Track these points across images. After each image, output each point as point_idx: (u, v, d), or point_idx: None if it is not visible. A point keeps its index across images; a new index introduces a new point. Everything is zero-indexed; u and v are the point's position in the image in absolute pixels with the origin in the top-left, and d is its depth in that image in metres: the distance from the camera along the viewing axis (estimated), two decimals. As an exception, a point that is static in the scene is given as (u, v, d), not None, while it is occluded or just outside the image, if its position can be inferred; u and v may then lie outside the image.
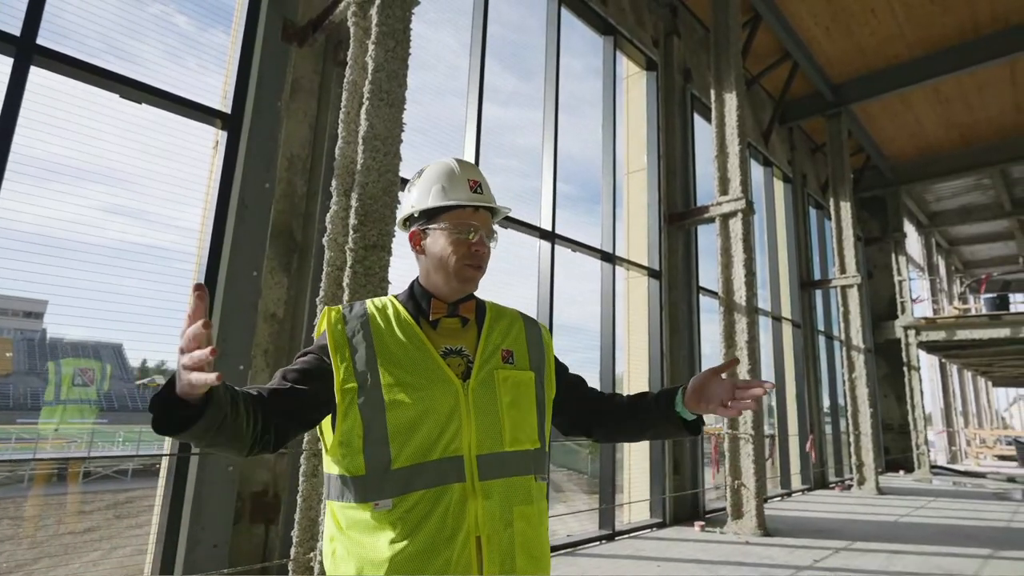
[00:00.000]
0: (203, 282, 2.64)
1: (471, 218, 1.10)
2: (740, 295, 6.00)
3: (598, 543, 5.13)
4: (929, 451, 15.51)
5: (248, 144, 3.38)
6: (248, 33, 3.54)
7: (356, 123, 2.96)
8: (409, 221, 1.16)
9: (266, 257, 3.41)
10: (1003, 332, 12.10)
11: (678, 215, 6.80)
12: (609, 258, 5.90)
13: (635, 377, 6.52)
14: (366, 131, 2.83)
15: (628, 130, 7.13)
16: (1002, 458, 18.21)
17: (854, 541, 5.57)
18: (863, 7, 7.81)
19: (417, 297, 1.13)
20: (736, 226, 6.11)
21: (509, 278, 4.81)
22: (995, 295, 15.81)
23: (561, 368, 1.24)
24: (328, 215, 2.86)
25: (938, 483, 11.09)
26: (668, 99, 7.06)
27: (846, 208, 9.75)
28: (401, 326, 1.06)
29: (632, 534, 5.53)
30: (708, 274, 6.98)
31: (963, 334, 12.47)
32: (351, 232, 2.75)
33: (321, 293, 2.79)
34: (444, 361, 1.04)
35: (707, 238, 7.11)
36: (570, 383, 1.23)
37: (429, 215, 1.12)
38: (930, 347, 13.55)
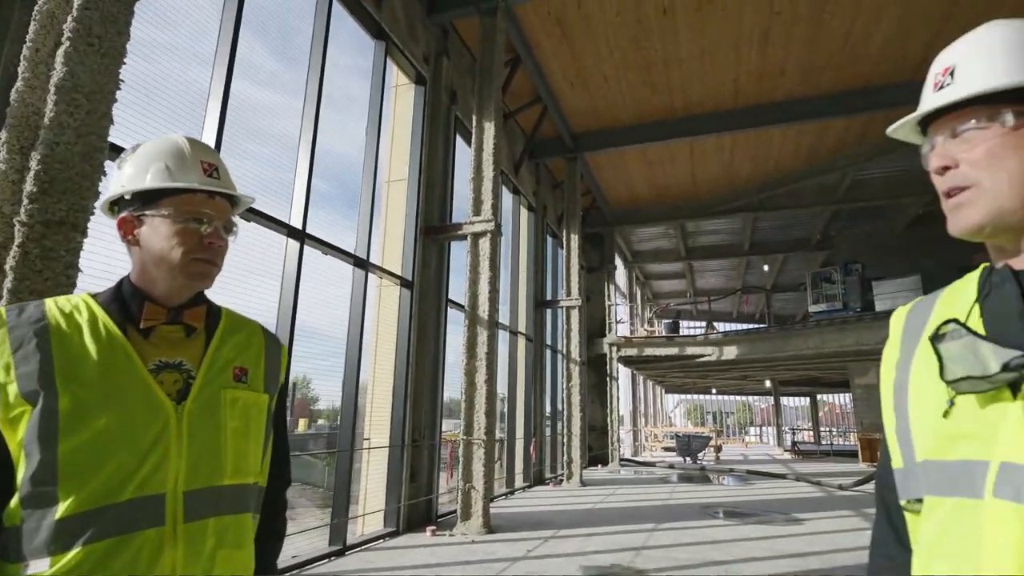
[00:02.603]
0: None
1: (204, 205, 0.94)
2: (484, 309, 6.45)
3: (326, 560, 4.91)
4: (620, 447, 18.80)
5: None
6: None
7: (48, 65, 2.35)
8: (119, 205, 0.95)
9: None
10: (674, 350, 15.44)
11: (434, 229, 7.03)
12: (362, 264, 5.78)
13: (380, 384, 6.49)
14: (62, 79, 2.27)
15: (393, 138, 7.15)
16: (667, 450, 23.06)
17: (561, 529, 6.41)
18: (599, 74, 9.26)
19: (126, 298, 0.92)
20: (485, 245, 6.58)
21: (245, 277, 4.34)
22: (671, 321, 20.10)
23: (283, 394, 1.12)
24: (-11, 175, 2.20)
25: (625, 473, 13.48)
26: (434, 116, 7.29)
27: (575, 240, 11.32)
28: (95, 334, 0.86)
29: (364, 547, 5.44)
30: (456, 288, 7.37)
31: (649, 351, 15.56)
32: (26, 201, 2.15)
33: (-33, 277, 2.12)
34: (154, 377, 0.87)
35: (458, 254, 7.49)
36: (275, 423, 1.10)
37: (146, 198, 0.93)
38: (626, 361, 16.53)
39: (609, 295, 15.65)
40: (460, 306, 7.08)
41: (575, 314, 11.01)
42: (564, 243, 11.50)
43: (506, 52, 8.47)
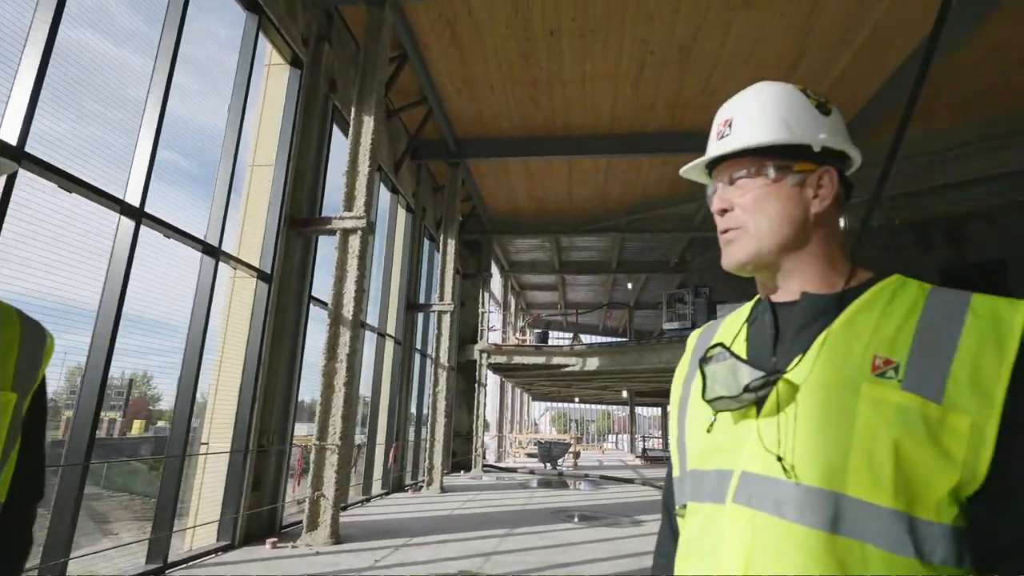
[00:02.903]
0: None
1: None
2: (349, 309, 6.18)
3: (142, 580, 4.37)
4: (484, 453, 19.01)
5: None
6: None
7: None
8: None
9: None
10: (541, 359, 15.96)
11: (301, 221, 6.62)
12: (213, 252, 5.27)
13: (225, 384, 5.94)
14: None
15: (261, 120, 6.64)
16: (530, 455, 23.72)
17: (414, 537, 6.29)
18: (486, 83, 9.36)
19: None
20: (355, 243, 6.32)
21: (62, 256, 3.76)
22: (541, 331, 20.78)
23: (41, 393, 0.97)
24: None
25: (487, 479, 13.63)
26: (310, 103, 6.90)
27: (452, 245, 11.30)
28: None
29: (190, 563, 4.91)
30: (322, 284, 7.00)
31: (518, 359, 15.93)
32: None
33: None
34: None
35: (326, 249, 7.13)
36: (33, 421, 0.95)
37: None
38: (495, 368, 16.78)
39: (483, 302, 15.83)
40: (324, 304, 6.73)
41: (447, 319, 10.97)
42: (441, 247, 11.43)
43: (393, 48, 8.27)
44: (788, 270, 0.79)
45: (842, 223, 0.81)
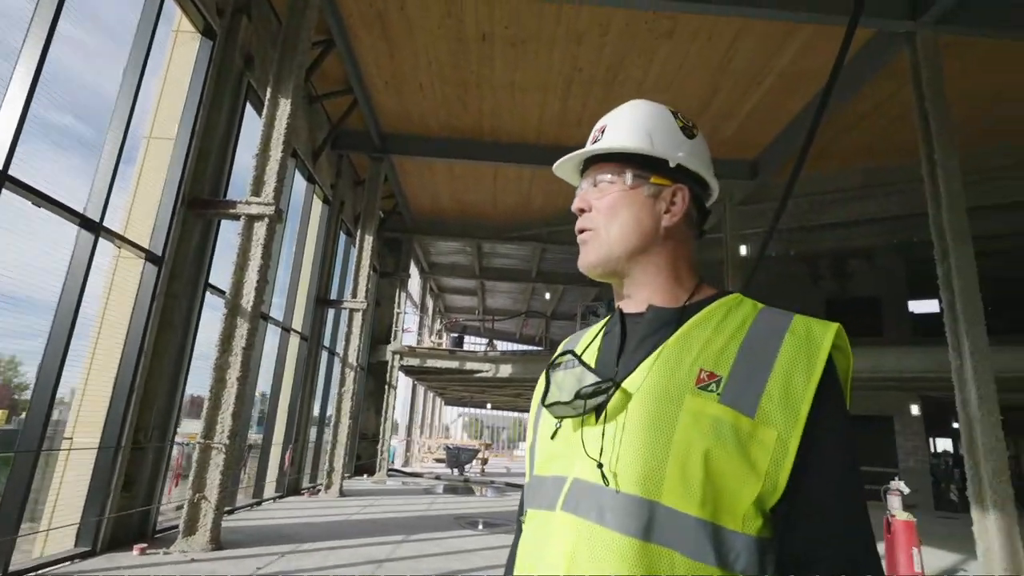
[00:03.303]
0: None
1: None
2: (249, 300, 5.83)
3: (-25, 591, 3.85)
4: (391, 457, 18.58)
5: None
6: None
7: None
8: None
9: None
10: (455, 364, 15.86)
11: (202, 202, 6.18)
12: (93, 227, 4.79)
13: (99, 373, 5.40)
14: None
15: (164, 89, 6.15)
16: (438, 461, 23.48)
17: (303, 543, 5.99)
18: (414, 81, 9.21)
19: None
20: (261, 230, 5.98)
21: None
22: (457, 335, 20.69)
23: None
24: None
25: (391, 483, 13.31)
26: (221, 77, 6.47)
27: (369, 242, 11.00)
28: None
29: (37, 571, 4.39)
30: (222, 271, 6.56)
31: (432, 362, 15.73)
32: None
33: None
34: None
35: (231, 234, 6.71)
36: None
37: None
38: (408, 370, 16.49)
39: (400, 302, 15.52)
40: (222, 292, 6.31)
41: (358, 317, 10.64)
42: (358, 243, 11.09)
43: (320, 31, 7.97)
44: (636, 280, 0.81)
45: (693, 242, 0.84)
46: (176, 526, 6.00)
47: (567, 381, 0.74)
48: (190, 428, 8.24)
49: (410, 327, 19.39)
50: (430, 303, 23.59)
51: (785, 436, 0.63)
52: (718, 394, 0.66)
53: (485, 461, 21.29)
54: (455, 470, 17.82)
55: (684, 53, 8.06)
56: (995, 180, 10.70)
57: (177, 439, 7.51)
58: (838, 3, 6.49)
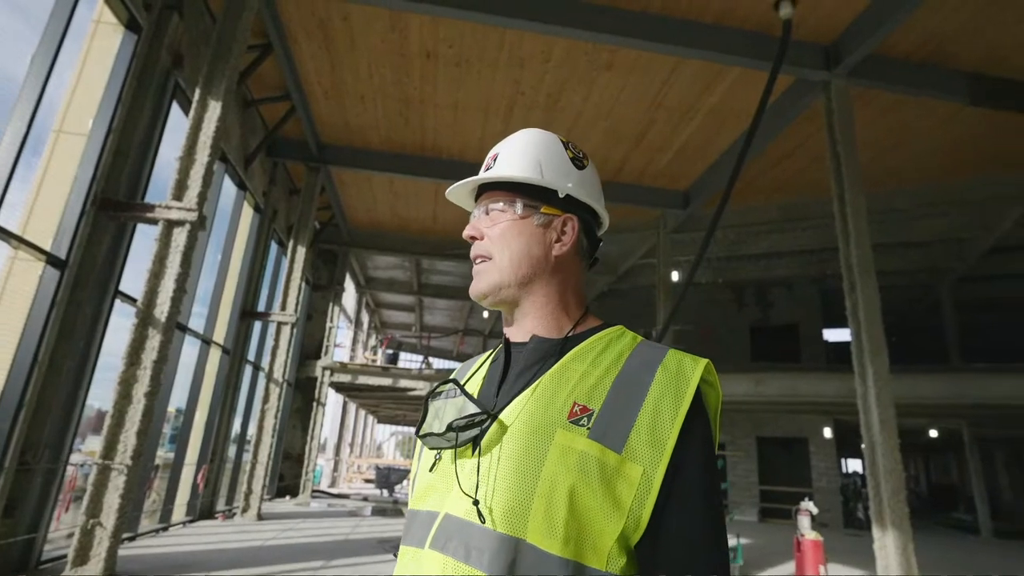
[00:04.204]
0: None
1: None
2: (163, 310, 5.46)
3: None
4: (318, 477, 17.83)
5: None
6: None
7: None
8: None
9: None
10: (389, 381, 15.49)
11: (116, 204, 5.78)
12: (-15, 225, 4.38)
13: (-17, 388, 4.89)
14: None
15: (79, 81, 5.75)
16: (368, 481, 22.76)
17: (212, 571, 5.61)
18: (356, 92, 9.08)
19: None
20: (181, 237, 5.64)
21: None
22: (393, 352, 20.27)
23: None
24: None
25: (315, 505, 12.74)
26: (145, 74, 6.13)
27: (302, 253, 10.64)
28: None
29: None
30: (136, 279, 6.14)
31: (364, 379, 15.29)
32: None
33: None
34: None
35: (149, 240, 6.31)
36: None
37: None
38: (339, 387, 15.96)
39: (332, 317, 15.06)
40: (133, 300, 5.91)
41: (286, 331, 10.22)
42: (290, 254, 10.70)
43: (258, 35, 7.75)
44: (524, 309, 0.80)
45: (583, 273, 0.85)
46: (66, 555, 5.48)
47: (446, 411, 0.72)
48: (95, 445, 7.61)
49: (343, 342, 18.82)
50: (365, 318, 23.03)
51: (651, 472, 0.63)
52: (588, 428, 0.66)
53: (416, 482, 20.79)
54: (385, 491, 17.28)
55: (622, 85, 8.37)
56: (897, 220, 11.69)
57: (77, 458, 6.92)
58: (763, 50, 6.95)
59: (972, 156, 9.65)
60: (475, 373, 0.83)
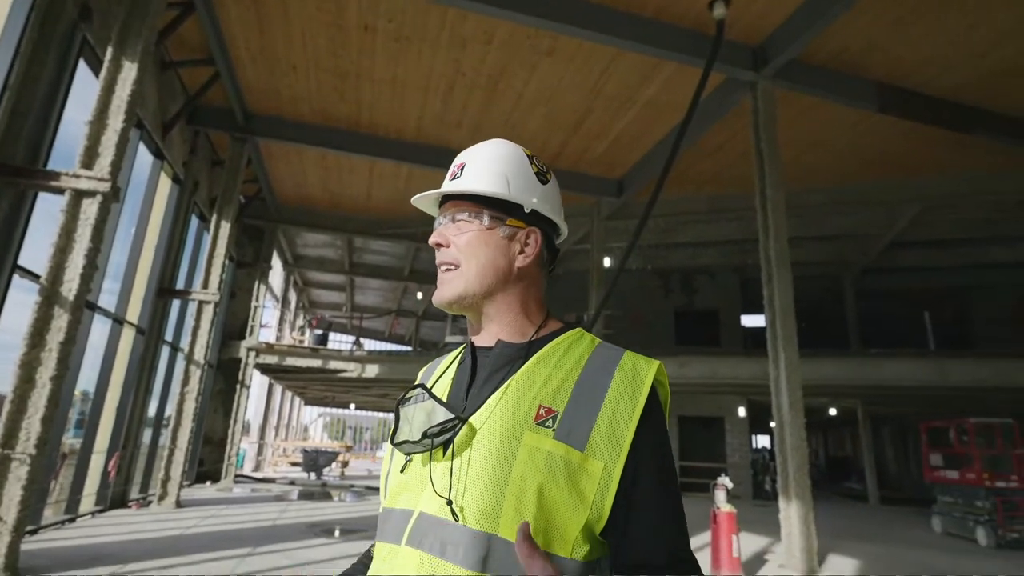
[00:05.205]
0: None
1: None
2: (71, 288, 5.05)
3: None
4: (241, 461, 17.17)
5: None
6: None
7: None
8: None
9: None
10: (318, 363, 15.08)
11: (13, 169, 5.25)
12: None
13: None
14: None
15: (-33, 31, 5.13)
16: (294, 464, 22.15)
17: (127, 563, 5.32)
18: (287, 61, 8.63)
19: None
20: (92, 209, 5.21)
21: None
22: (322, 332, 19.71)
23: None
24: None
25: (238, 491, 12.28)
26: (47, 28, 5.55)
27: (226, 228, 10.09)
28: None
29: None
30: (38, 252, 5.62)
31: (292, 361, 14.80)
32: None
33: None
34: None
35: (53, 209, 5.78)
36: None
37: None
38: (264, 368, 15.37)
39: (258, 295, 14.43)
40: (36, 276, 5.42)
41: (208, 310, 9.71)
42: (212, 229, 10.12)
43: (178, -8, 7.19)
44: (489, 316, 0.84)
45: (543, 281, 0.89)
46: (-44, 553, 5.02)
47: (417, 416, 0.75)
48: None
49: (269, 322, 18.08)
50: (293, 297, 22.21)
51: (611, 467, 0.69)
52: (553, 430, 0.71)
53: (345, 464, 20.48)
54: (312, 474, 16.92)
55: (562, 72, 8.43)
56: (812, 216, 12.55)
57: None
58: (698, 47, 7.20)
59: (878, 159, 10.49)
60: (442, 375, 0.85)
